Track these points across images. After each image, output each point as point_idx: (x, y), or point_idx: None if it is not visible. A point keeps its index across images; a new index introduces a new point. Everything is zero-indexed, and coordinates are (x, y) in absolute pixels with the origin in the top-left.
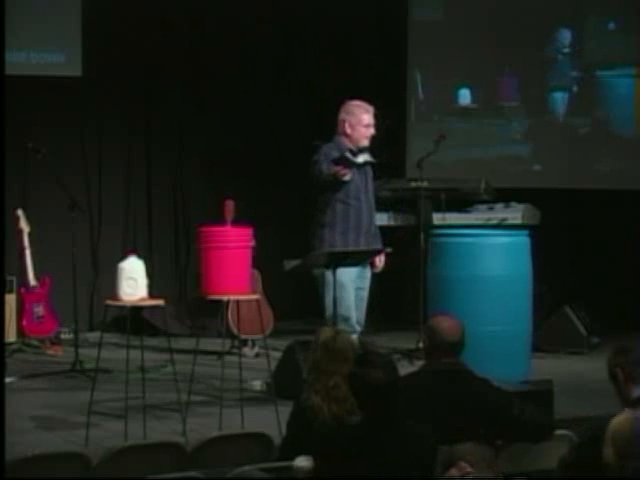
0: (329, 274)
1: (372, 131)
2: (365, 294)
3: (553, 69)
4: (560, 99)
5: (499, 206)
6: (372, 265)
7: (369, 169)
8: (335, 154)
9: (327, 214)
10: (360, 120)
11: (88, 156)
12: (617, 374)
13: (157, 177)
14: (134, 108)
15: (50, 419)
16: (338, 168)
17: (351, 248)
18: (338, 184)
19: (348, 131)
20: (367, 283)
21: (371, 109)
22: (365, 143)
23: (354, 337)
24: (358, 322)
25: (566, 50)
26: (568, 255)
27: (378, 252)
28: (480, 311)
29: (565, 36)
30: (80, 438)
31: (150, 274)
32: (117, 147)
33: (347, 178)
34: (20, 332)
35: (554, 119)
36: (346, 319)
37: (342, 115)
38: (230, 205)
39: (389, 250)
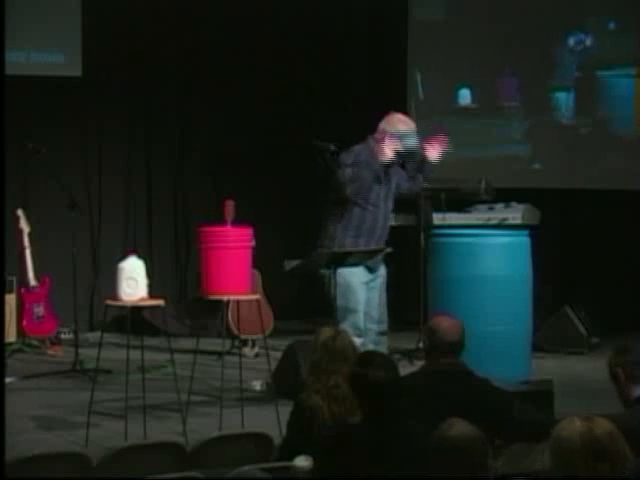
0: (336, 275)
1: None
2: (377, 293)
3: (555, 69)
4: (560, 99)
5: (499, 206)
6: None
7: (394, 179)
8: (365, 160)
9: (344, 216)
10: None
11: (88, 156)
12: (618, 374)
13: (157, 177)
14: (134, 108)
15: (50, 419)
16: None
17: (352, 248)
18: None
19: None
20: (378, 282)
21: (413, 126)
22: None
23: (359, 340)
24: (380, 321)
25: (577, 50)
26: (568, 255)
27: (379, 252)
28: (480, 311)
29: (579, 38)
30: (80, 438)
31: (150, 274)
32: (117, 147)
33: (386, 158)
34: (20, 332)
35: (554, 119)
36: (354, 321)
37: (383, 124)
38: (230, 205)
39: (389, 250)
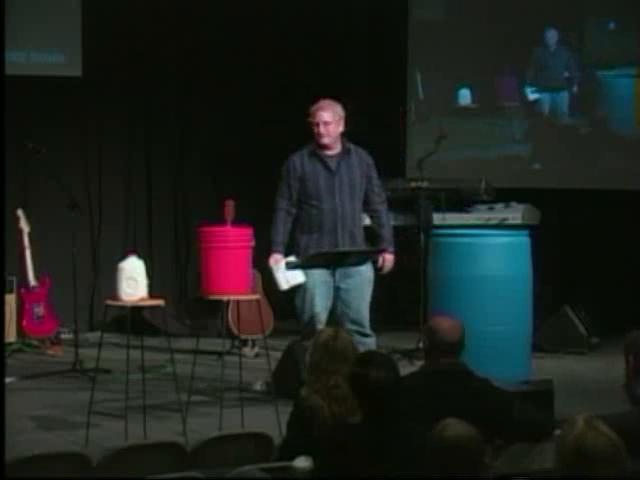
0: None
1: (327, 129)
2: (353, 294)
3: (555, 69)
4: (560, 99)
5: (499, 206)
6: (375, 266)
7: (357, 170)
8: (294, 176)
9: (298, 217)
10: (312, 120)
11: (88, 156)
12: (629, 361)
13: (157, 177)
14: (134, 108)
15: (50, 419)
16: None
17: (350, 248)
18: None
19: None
20: (357, 282)
21: (325, 105)
22: (323, 141)
23: None
24: (358, 322)
25: (553, 49)
26: (568, 255)
27: (378, 252)
28: (480, 311)
29: (551, 35)
30: (80, 438)
31: (150, 274)
32: (117, 147)
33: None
34: (20, 332)
35: (554, 119)
36: (311, 322)
37: (312, 117)
38: (230, 205)
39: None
